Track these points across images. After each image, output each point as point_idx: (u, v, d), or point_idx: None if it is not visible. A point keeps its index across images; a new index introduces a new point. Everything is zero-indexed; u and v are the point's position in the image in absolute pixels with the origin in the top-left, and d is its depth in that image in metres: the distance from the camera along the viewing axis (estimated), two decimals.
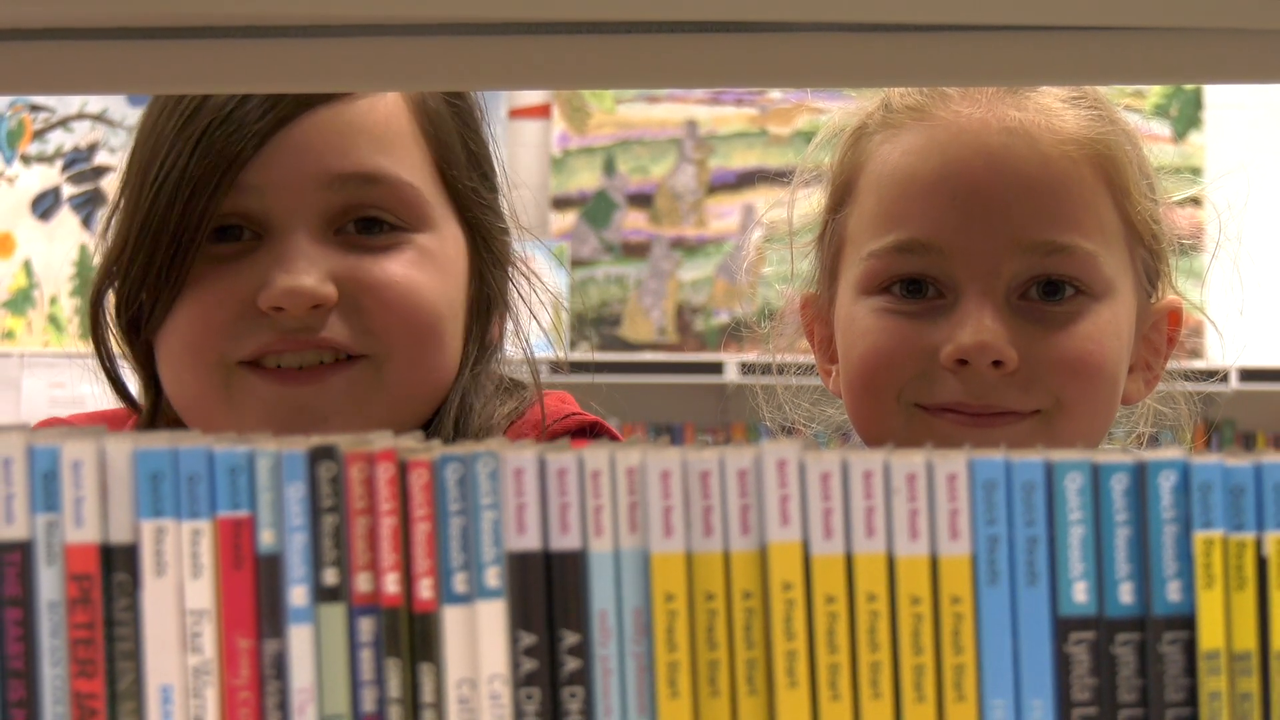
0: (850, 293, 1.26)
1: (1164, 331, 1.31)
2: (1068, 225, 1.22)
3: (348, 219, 1.21)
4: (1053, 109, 1.25)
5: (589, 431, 1.32)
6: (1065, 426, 1.21)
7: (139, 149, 1.25)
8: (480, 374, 1.28)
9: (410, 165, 1.24)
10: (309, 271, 1.18)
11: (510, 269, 1.32)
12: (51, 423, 1.32)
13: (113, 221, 1.27)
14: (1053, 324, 1.21)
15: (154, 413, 1.29)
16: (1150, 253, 1.28)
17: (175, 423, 1.27)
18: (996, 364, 1.19)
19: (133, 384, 1.31)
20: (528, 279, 1.33)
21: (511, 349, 1.34)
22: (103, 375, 1.30)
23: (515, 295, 1.33)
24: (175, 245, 1.19)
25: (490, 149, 1.32)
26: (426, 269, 1.22)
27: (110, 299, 1.26)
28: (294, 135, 1.20)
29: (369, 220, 1.22)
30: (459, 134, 1.28)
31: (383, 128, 1.23)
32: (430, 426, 1.26)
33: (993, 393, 1.20)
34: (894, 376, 1.22)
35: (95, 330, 1.28)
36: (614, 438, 1.34)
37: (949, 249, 1.21)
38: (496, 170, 1.33)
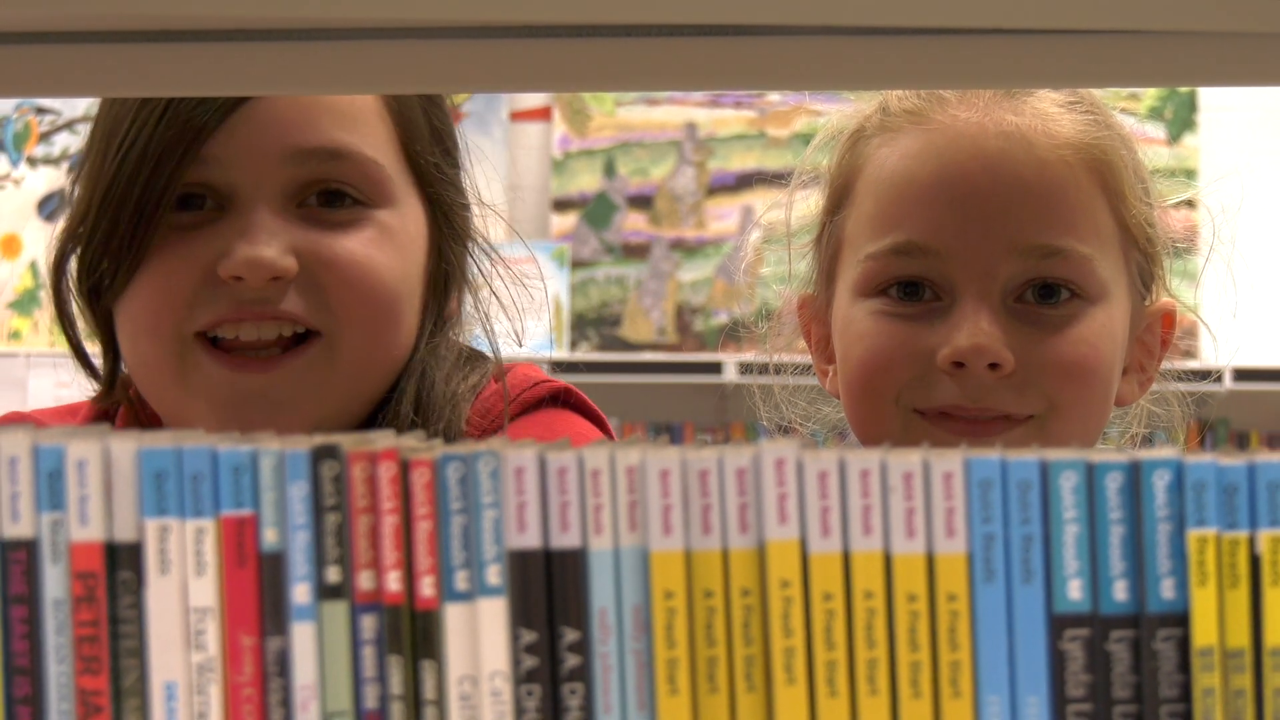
0: (848, 295, 1.26)
1: (1157, 334, 1.31)
2: (1063, 229, 1.22)
3: (310, 192, 1.22)
4: (1049, 114, 1.25)
5: (560, 398, 1.31)
6: (1059, 430, 1.20)
7: (102, 118, 1.25)
8: (438, 345, 1.28)
9: (374, 141, 1.24)
10: (270, 243, 1.19)
11: (470, 244, 1.32)
12: (11, 418, 1.33)
13: (75, 189, 1.26)
14: (1048, 327, 1.21)
15: (112, 380, 1.29)
16: (1145, 256, 1.28)
17: (135, 394, 1.27)
18: (993, 366, 1.19)
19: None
20: (488, 255, 1.33)
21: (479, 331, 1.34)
22: (68, 344, 1.30)
23: (475, 270, 1.33)
24: (138, 214, 1.20)
25: (452, 125, 1.32)
26: (385, 247, 1.23)
27: (73, 266, 1.26)
28: (259, 109, 1.20)
29: (331, 194, 1.22)
30: (423, 110, 1.28)
31: (347, 103, 1.23)
32: (390, 400, 1.26)
33: (989, 395, 1.20)
34: (891, 380, 1.22)
35: (58, 296, 1.28)
36: (585, 403, 1.33)
37: (946, 251, 1.21)
38: (459, 145, 1.33)
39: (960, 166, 1.23)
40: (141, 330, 1.22)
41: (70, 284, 1.27)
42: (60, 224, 1.27)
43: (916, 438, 1.20)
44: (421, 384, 1.26)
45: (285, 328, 1.20)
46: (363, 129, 1.23)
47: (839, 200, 1.30)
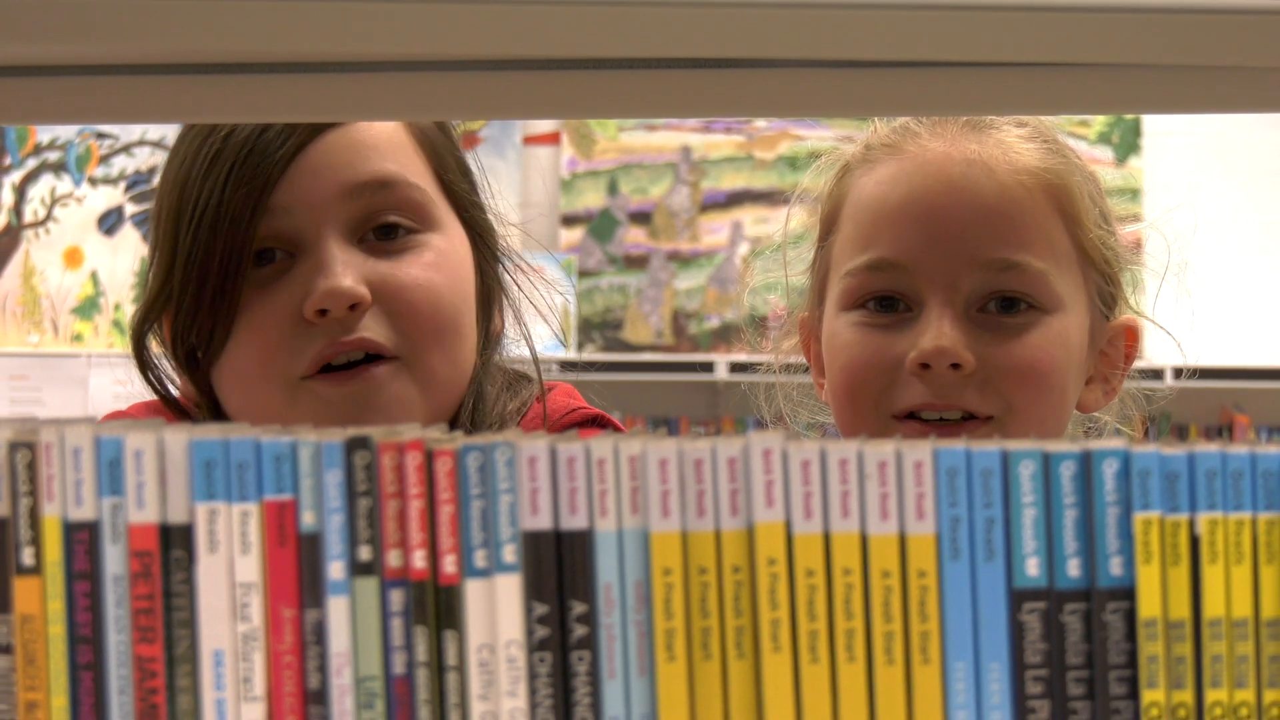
0: (832, 310, 1.26)
1: (1120, 348, 1.31)
2: (1020, 245, 1.22)
3: (368, 227, 1.21)
4: (1011, 144, 1.25)
5: (593, 423, 1.32)
6: (1017, 431, 1.20)
7: (166, 196, 1.23)
8: (489, 360, 1.28)
9: (414, 169, 1.24)
10: (344, 274, 1.18)
11: (504, 259, 1.32)
12: (114, 415, 1.32)
13: (151, 268, 1.24)
14: (1006, 333, 1.21)
15: None
16: (1104, 277, 1.28)
17: None
18: (955, 367, 1.19)
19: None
20: (520, 269, 1.33)
21: (514, 344, 1.33)
22: (163, 402, 1.28)
23: (514, 286, 1.32)
24: (223, 275, 1.18)
25: (468, 159, 1.32)
26: (443, 268, 1.22)
27: (154, 337, 1.25)
28: (311, 157, 1.20)
29: (386, 227, 1.22)
30: (446, 146, 1.28)
31: (387, 141, 1.23)
32: (457, 418, 1.25)
33: (953, 393, 1.19)
34: (870, 386, 1.22)
35: (141, 364, 1.26)
36: (615, 427, 1.33)
37: (915, 266, 1.21)
38: (478, 177, 1.32)
39: (926, 189, 1.23)
40: (253, 379, 1.20)
41: (152, 351, 1.25)
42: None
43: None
44: (478, 401, 1.26)
45: (371, 352, 1.19)
46: (403, 159, 1.23)
47: (828, 228, 1.30)
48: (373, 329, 1.19)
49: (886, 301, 1.23)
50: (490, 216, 1.31)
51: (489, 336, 1.29)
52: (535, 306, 1.33)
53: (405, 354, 1.20)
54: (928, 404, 1.20)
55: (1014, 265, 1.21)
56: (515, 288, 1.32)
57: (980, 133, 1.25)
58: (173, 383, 1.27)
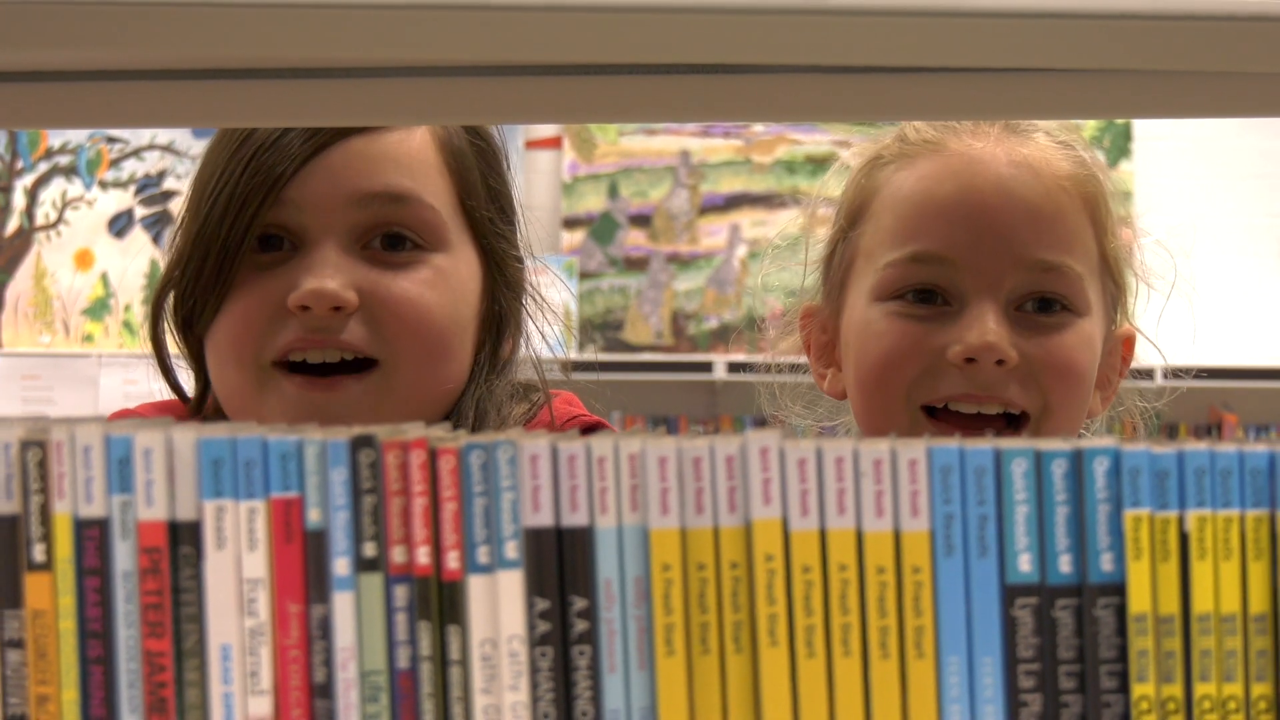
0: (863, 300, 1.26)
1: (1120, 355, 1.32)
2: (1062, 249, 1.23)
3: (374, 235, 1.22)
4: (1049, 149, 1.26)
5: (591, 431, 1.32)
6: (1052, 429, 1.21)
7: (199, 174, 1.26)
8: (494, 386, 1.28)
9: (432, 190, 1.24)
10: (333, 277, 1.19)
11: (524, 294, 1.32)
12: (121, 414, 1.32)
13: (175, 237, 1.28)
14: (1043, 332, 1.22)
15: (200, 403, 1.29)
16: (1116, 285, 1.29)
17: (218, 412, 1.27)
18: (999, 363, 1.19)
19: (184, 378, 1.31)
20: (536, 301, 1.33)
21: (524, 350, 1.34)
22: (158, 369, 1.30)
23: (526, 316, 1.33)
24: (224, 251, 1.20)
25: (510, 187, 1.32)
26: (438, 287, 1.22)
27: (169, 302, 1.27)
28: (330, 159, 1.21)
29: (393, 238, 1.22)
30: (480, 171, 1.28)
31: (410, 157, 1.23)
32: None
33: (995, 386, 1.20)
34: (904, 374, 1.21)
35: (154, 330, 1.28)
36: (612, 432, 1.33)
37: (960, 261, 1.21)
38: (515, 207, 1.32)
39: (976, 187, 1.23)
40: (226, 358, 1.22)
41: (167, 319, 1.27)
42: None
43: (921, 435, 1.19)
44: (477, 416, 1.26)
45: (347, 354, 1.20)
46: (422, 178, 1.23)
47: (854, 219, 1.30)
48: (354, 332, 1.19)
49: (924, 294, 1.23)
50: (518, 246, 1.31)
51: (495, 361, 1.29)
52: (544, 336, 1.33)
53: (385, 359, 1.20)
54: (968, 395, 1.20)
55: (1056, 267, 1.22)
56: (527, 317, 1.32)
57: (1020, 135, 1.26)
58: (180, 362, 1.29)
